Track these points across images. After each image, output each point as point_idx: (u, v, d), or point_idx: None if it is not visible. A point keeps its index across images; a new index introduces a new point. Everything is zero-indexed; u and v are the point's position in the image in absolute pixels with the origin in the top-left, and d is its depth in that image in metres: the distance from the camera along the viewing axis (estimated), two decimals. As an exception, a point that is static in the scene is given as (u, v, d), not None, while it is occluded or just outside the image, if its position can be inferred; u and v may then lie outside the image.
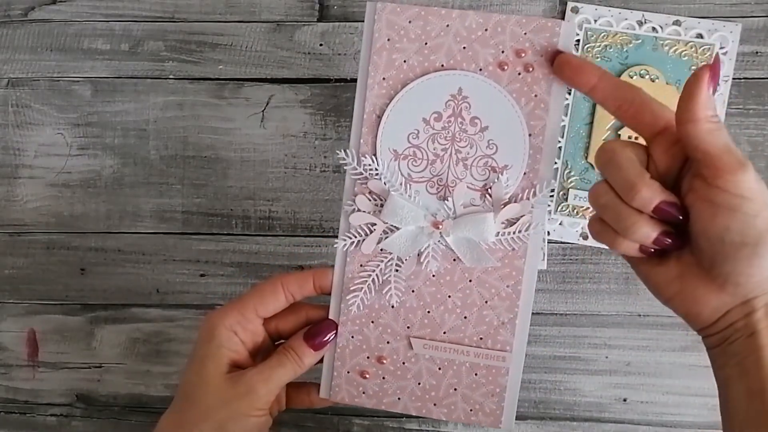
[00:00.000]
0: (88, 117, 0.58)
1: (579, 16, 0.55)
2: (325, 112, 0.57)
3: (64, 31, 0.58)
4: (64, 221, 0.58)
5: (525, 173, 0.39)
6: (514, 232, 0.39)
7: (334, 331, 0.41)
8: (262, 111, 0.57)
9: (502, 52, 0.38)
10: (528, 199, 0.39)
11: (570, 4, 0.55)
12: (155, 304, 0.58)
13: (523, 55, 0.38)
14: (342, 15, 0.57)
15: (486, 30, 0.38)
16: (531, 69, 0.38)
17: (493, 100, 0.39)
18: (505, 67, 0.38)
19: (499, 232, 0.39)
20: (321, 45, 0.57)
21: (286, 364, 0.39)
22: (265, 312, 0.41)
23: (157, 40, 0.58)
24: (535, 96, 0.38)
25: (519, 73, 0.38)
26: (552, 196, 0.55)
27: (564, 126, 0.55)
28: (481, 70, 0.39)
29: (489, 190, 0.39)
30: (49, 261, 0.59)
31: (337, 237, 0.41)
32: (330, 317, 0.41)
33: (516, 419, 0.57)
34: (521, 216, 0.39)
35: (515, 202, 0.39)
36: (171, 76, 0.58)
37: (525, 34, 0.38)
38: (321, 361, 0.42)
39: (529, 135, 0.39)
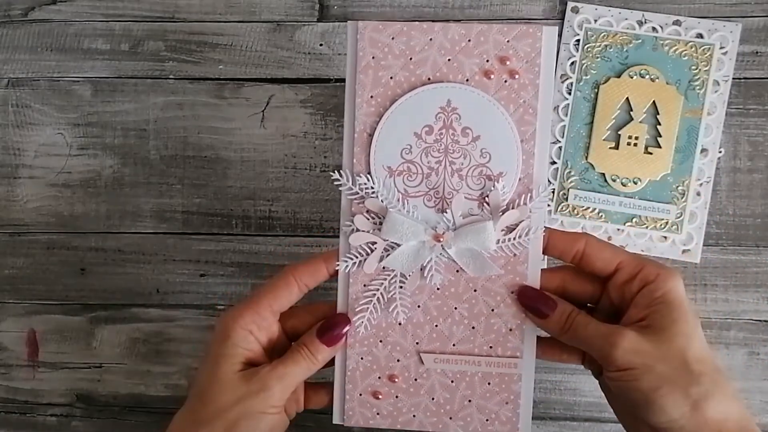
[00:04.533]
0: (88, 117, 0.58)
1: (579, 16, 0.55)
2: (325, 112, 0.57)
3: (64, 31, 0.58)
4: (64, 221, 0.58)
5: (520, 179, 0.39)
6: (514, 238, 0.39)
7: (347, 325, 0.40)
8: (262, 111, 0.57)
9: (487, 60, 0.39)
10: (525, 204, 0.39)
11: (570, 4, 0.55)
12: (155, 304, 0.58)
13: (507, 62, 0.38)
14: (342, 15, 0.57)
15: (469, 40, 0.39)
16: (516, 75, 0.39)
17: (482, 109, 0.39)
18: (491, 76, 0.39)
19: (499, 240, 0.39)
20: (321, 45, 0.57)
21: (300, 361, 0.39)
22: (279, 307, 0.40)
23: (157, 40, 0.58)
24: (523, 102, 0.39)
25: (505, 81, 0.39)
26: (552, 196, 0.55)
27: (564, 126, 0.55)
28: (467, 80, 0.39)
29: (486, 198, 0.39)
30: (49, 261, 0.59)
31: (337, 236, 0.41)
32: (339, 311, 0.41)
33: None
34: (520, 221, 0.39)
35: (513, 208, 0.39)
36: (171, 76, 0.58)
37: (508, 41, 0.38)
38: (332, 362, 0.42)
39: (521, 140, 0.39)
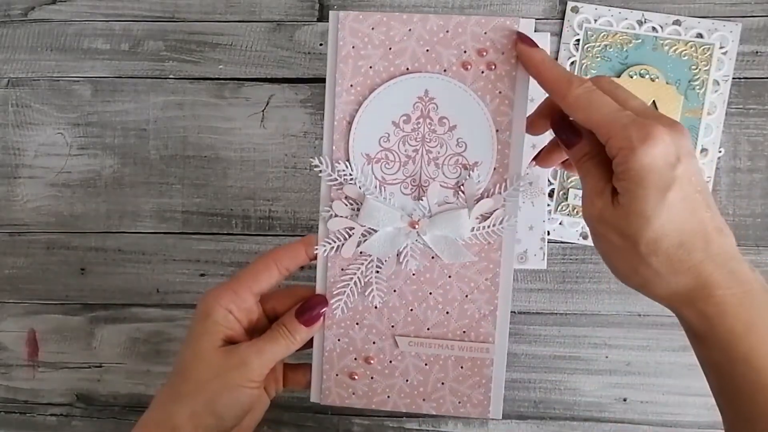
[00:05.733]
0: (88, 117, 0.58)
1: (579, 15, 0.55)
2: (325, 112, 0.57)
3: (64, 31, 0.58)
4: (64, 221, 0.58)
5: (495, 168, 0.40)
6: (488, 226, 0.40)
7: (325, 306, 0.41)
8: (262, 111, 0.57)
9: (465, 52, 0.39)
10: (500, 193, 0.40)
11: (570, 4, 0.55)
12: (155, 304, 0.58)
13: (484, 54, 0.39)
14: (342, 15, 0.57)
15: (447, 32, 0.39)
16: (493, 67, 0.39)
17: (459, 99, 0.40)
18: (469, 67, 0.39)
19: (474, 228, 0.40)
20: (321, 45, 0.57)
21: (279, 340, 0.40)
22: (260, 289, 0.41)
23: (157, 40, 0.58)
24: (499, 93, 0.39)
25: (482, 72, 0.39)
26: (552, 196, 0.55)
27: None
28: (445, 71, 0.40)
29: (462, 187, 0.40)
30: (49, 261, 0.59)
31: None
32: (318, 292, 0.42)
33: (516, 419, 0.57)
34: (494, 210, 0.40)
35: (488, 197, 0.40)
36: (171, 76, 0.58)
37: (485, 33, 0.39)
38: (311, 343, 0.42)
39: (496, 131, 0.40)
